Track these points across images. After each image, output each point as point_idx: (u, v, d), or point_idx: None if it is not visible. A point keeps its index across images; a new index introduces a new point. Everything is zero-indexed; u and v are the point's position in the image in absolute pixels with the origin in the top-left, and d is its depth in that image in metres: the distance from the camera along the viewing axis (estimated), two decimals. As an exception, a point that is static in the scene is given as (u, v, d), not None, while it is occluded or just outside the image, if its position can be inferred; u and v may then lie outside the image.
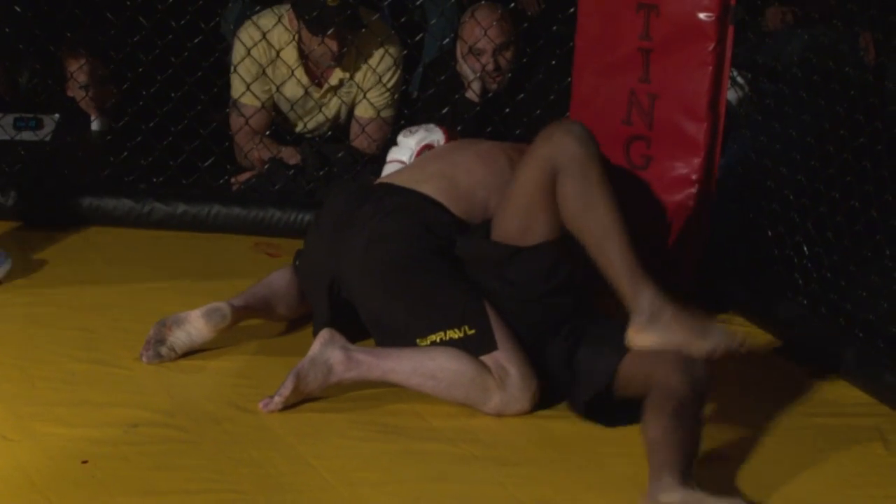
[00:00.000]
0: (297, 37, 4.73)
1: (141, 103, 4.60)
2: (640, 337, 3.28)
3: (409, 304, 3.43)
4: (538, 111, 4.66)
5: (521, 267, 3.42)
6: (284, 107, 4.87)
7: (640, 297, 3.27)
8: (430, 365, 3.33)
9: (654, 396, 3.14)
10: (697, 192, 4.08)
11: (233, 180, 4.71)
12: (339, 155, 4.72)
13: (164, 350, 3.50)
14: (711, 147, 4.07)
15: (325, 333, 3.35)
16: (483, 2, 4.89)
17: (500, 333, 3.36)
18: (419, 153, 3.87)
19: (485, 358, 3.34)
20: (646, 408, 3.11)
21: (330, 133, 4.94)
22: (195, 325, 3.51)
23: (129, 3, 4.55)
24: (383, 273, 3.47)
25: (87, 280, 4.03)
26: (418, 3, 5.39)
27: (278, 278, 3.76)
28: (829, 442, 3.30)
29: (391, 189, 3.60)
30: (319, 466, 3.04)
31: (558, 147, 3.34)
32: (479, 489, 3.01)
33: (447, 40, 5.06)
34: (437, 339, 3.38)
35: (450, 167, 3.65)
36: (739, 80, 4.65)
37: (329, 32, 4.63)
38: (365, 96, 4.82)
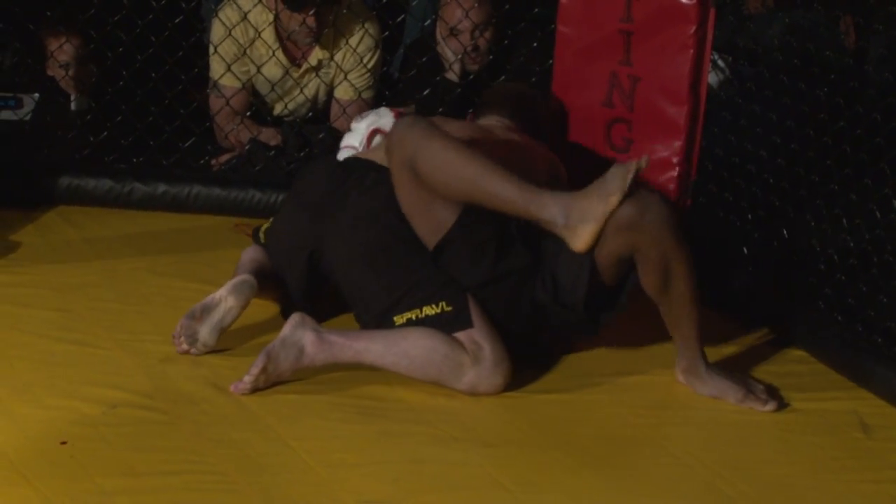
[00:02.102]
0: (275, 16, 4.72)
1: (121, 83, 4.58)
2: (579, 239, 3.35)
3: (388, 280, 3.46)
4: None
5: (453, 259, 3.47)
6: (264, 87, 4.86)
7: (545, 210, 3.35)
8: (402, 344, 3.34)
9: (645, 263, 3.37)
10: (678, 175, 4.08)
11: (213, 161, 4.70)
12: (320, 136, 4.71)
13: (198, 349, 3.44)
14: (692, 130, 4.07)
15: (296, 316, 3.35)
16: (464, -18, 4.88)
17: (474, 311, 3.39)
18: (369, 137, 3.87)
19: (459, 335, 3.36)
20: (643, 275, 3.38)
21: (310, 114, 4.93)
22: (226, 305, 3.46)
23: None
24: (367, 249, 3.50)
25: (67, 260, 4.02)
26: (400, -17, 5.38)
27: (257, 254, 3.77)
28: (806, 426, 3.32)
29: (372, 166, 3.62)
30: (298, 447, 3.04)
31: (397, 146, 3.46)
32: (459, 470, 3.01)
33: (428, 21, 5.05)
34: (413, 317, 3.40)
35: None
36: (720, 63, 4.65)
37: (308, 10, 4.62)
38: (346, 77, 4.82)
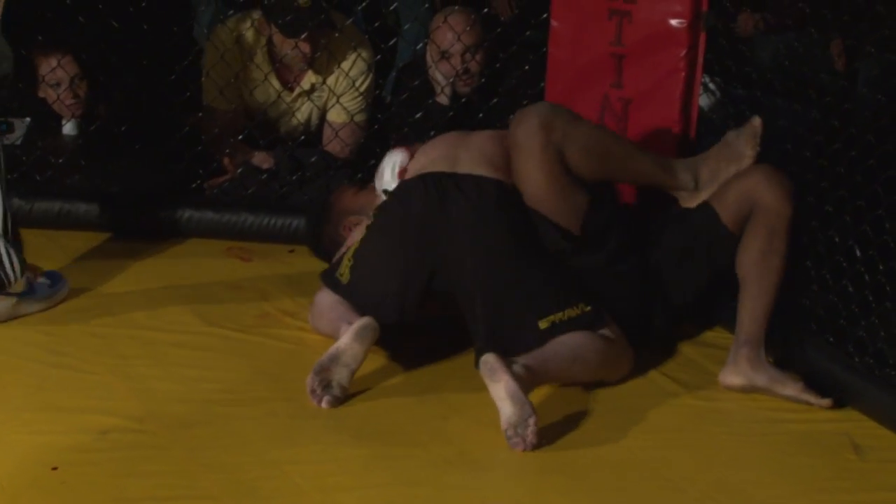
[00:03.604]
0: (268, 40, 4.73)
1: (112, 107, 4.59)
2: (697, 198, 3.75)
3: (526, 286, 3.54)
4: (511, 116, 4.66)
5: (588, 241, 3.66)
6: (256, 111, 4.86)
7: (678, 177, 3.75)
8: (579, 352, 3.48)
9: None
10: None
11: (206, 184, 4.70)
12: (313, 159, 4.72)
13: (336, 391, 3.37)
14: (684, 153, 4.08)
15: (487, 363, 3.25)
16: (456, 7, 4.89)
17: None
18: (401, 177, 3.84)
19: (603, 331, 3.55)
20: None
21: (303, 137, 4.94)
22: (351, 352, 3.39)
23: (101, 6, 4.53)
24: (496, 259, 3.55)
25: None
26: (392, 7, 5.39)
27: (334, 298, 3.71)
28: (799, 447, 3.31)
29: (462, 177, 3.63)
30: (292, 471, 3.03)
31: (544, 130, 3.60)
32: (453, 494, 3.00)
33: (420, 45, 5.06)
34: (557, 320, 3.51)
35: (476, 150, 3.72)
36: (711, 85, 4.66)
37: (301, 35, 4.63)
38: (338, 101, 4.82)
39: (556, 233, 3.65)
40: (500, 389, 3.19)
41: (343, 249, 3.84)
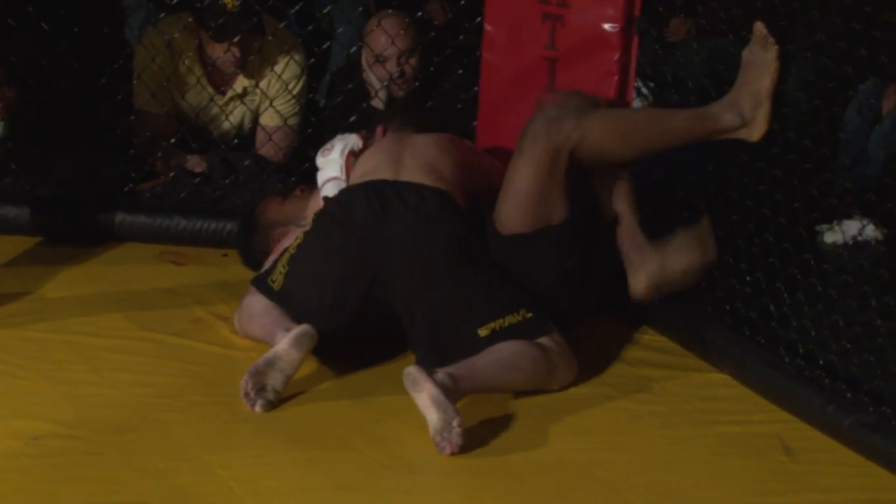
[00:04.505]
0: (199, 43, 4.71)
1: (42, 109, 4.55)
2: (759, 127, 3.65)
3: (466, 294, 3.54)
4: (445, 120, 4.67)
5: (532, 253, 3.64)
6: (189, 114, 4.83)
7: (722, 121, 3.64)
8: (511, 360, 3.46)
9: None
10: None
11: (138, 188, 4.67)
12: (246, 163, 4.70)
13: (270, 395, 3.36)
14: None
15: (410, 373, 3.25)
16: (389, 10, 4.89)
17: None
18: (346, 162, 3.85)
19: (541, 339, 3.53)
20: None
21: (236, 141, 4.91)
22: (288, 358, 3.37)
23: (30, 8, 4.49)
24: (438, 267, 3.55)
25: (-11, 289, 3.98)
26: (325, 11, 5.38)
27: (269, 303, 3.68)
28: (730, 449, 3.34)
29: (406, 186, 3.63)
30: (226, 476, 3.02)
31: (552, 132, 3.61)
32: (388, 497, 3.00)
33: (354, 49, 5.05)
34: (497, 327, 3.51)
35: (421, 157, 3.73)
36: (644, 90, 4.69)
37: (232, 39, 4.61)
38: (271, 104, 4.80)
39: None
40: (424, 398, 3.20)
41: (274, 255, 3.83)
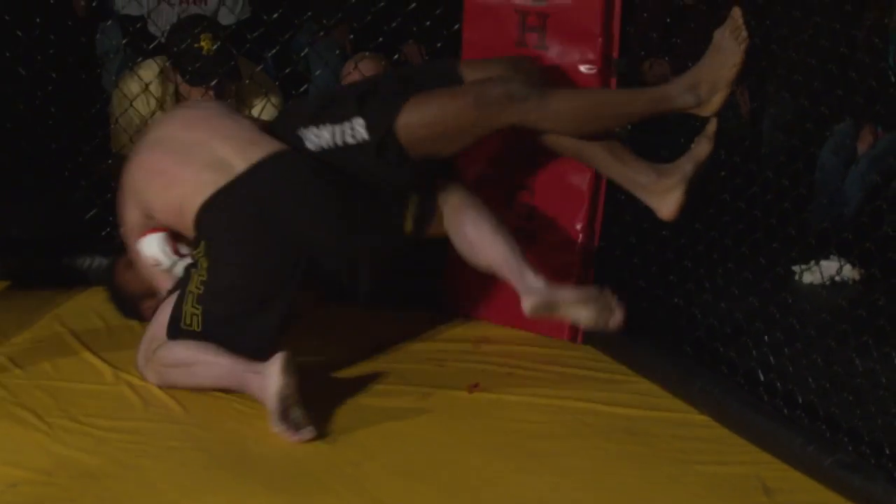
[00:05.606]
0: (175, 88, 4.71)
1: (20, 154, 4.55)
2: (712, 108, 3.72)
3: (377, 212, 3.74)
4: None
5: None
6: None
7: (678, 100, 3.70)
8: (474, 211, 3.83)
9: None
10: (582, 243, 4.12)
11: (116, 232, 4.65)
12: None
13: (305, 421, 3.42)
14: (595, 195, 4.11)
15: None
16: (366, 53, 4.90)
17: None
18: (174, 249, 3.81)
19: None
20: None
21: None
22: (289, 387, 3.40)
23: (7, 53, 4.49)
24: (344, 208, 3.70)
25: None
26: (303, 53, 5.39)
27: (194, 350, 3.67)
28: (710, 489, 3.32)
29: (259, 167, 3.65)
30: (203, 523, 3.00)
31: (503, 100, 3.68)
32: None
33: (331, 91, 5.06)
34: (410, 216, 3.79)
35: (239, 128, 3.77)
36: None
37: (208, 83, 4.61)
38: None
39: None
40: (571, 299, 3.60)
41: (162, 300, 3.79)
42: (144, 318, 3.94)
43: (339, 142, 3.70)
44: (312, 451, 3.37)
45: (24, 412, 3.49)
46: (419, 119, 3.69)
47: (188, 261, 3.74)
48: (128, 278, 3.99)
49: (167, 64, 4.72)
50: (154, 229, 3.79)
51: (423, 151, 3.71)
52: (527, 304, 3.66)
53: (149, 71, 4.76)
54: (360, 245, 3.68)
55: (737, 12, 3.64)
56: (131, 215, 3.82)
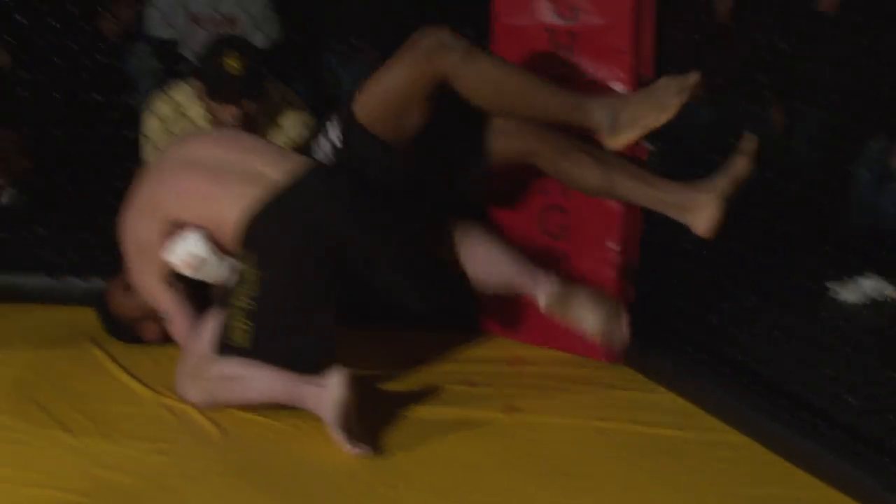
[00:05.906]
0: (207, 106, 4.72)
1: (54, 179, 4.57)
2: (618, 142, 3.60)
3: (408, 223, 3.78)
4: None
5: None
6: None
7: (593, 115, 3.61)
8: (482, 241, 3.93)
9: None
10: (619, 263, 4.11)
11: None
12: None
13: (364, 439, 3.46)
14: (630, 214, 4.10)
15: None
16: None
17: None
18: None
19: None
20: None
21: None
22: (351, 403, 3.42)
23: (41, 77, 4.52)
24: (380, 219, 3.72)
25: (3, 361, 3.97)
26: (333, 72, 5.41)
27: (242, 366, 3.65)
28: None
29: (298, 187, 3.66)
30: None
31: (435, 53, 3.64)
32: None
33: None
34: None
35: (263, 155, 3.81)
36: (650, 147, 4.68)
37: (235, 102, 4.61)
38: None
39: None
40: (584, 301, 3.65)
41: (167, 320, 3.82)
42: (145, 341, 3.95)
43: (335, 145, 3.74)
44: (347, 472, 3.36)
45: (63, 434, 3.49)
46: (368, 97, 3.75)
47: (232, 261, 3.68)
48: (125, 301, 4.00)
49: (198, 85, 4.72)
50: (187, 229, 3.73)
51: (391, 129, 3.72)
52: (542, 298, 3.68)
53: (181, 93, 4.76)
54: (403, 256, 3.67)
55: (694, 76, 3.54)
56: (146, 231, 3.77)
